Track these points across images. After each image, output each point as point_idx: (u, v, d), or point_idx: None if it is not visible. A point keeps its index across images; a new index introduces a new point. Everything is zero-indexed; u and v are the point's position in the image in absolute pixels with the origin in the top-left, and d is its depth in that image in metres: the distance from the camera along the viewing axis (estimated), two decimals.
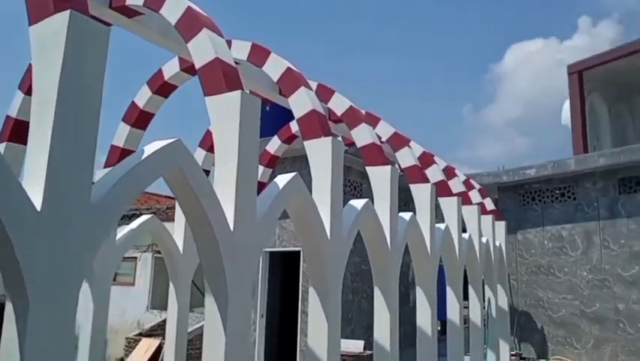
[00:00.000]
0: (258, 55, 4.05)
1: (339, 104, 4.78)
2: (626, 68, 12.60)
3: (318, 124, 3.55)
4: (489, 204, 8.37)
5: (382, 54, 54.84)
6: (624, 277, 8.02)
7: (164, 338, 6.90)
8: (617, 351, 8.01)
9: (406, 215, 4.85)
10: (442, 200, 6.11)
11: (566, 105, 13.63)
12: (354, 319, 8.74)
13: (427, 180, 5.62)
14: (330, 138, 3.52)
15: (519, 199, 9.82)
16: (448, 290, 6.05)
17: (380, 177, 4.47)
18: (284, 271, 9.91)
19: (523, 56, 48.28)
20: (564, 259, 8.91)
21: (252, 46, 4.11)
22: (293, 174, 3.14)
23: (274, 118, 7.00)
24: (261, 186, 6.14)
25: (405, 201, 10.10)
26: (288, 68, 3.87)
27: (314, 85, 4.72)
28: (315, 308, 3.42)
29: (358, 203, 3.95)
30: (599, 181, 8.53)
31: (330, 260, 3.42)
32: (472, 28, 54.66)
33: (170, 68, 4.62)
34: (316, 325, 3.40)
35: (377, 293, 4.34)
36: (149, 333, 10.30)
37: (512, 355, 8.16)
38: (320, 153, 3.52)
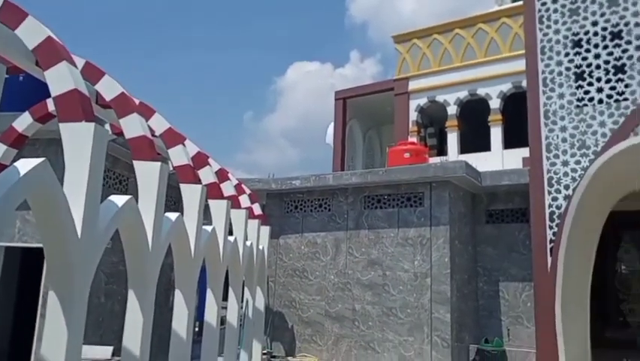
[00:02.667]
0: (12, 15, 3.41)
1: (109, 88, 4.36)
2: (378, 102, 14.80)
3: (80, 106, 3.16)
4: (257, 209, 8.73)
5: (183, 51, 52.87)
6: (362, 280, 9.29)
7: None
8: (352, 346, 9.21)
9: (173, 215, 4.69)
10: (212, 202, 6.10)
11: (331, 127, 15.26)
12: (105, 323, 8.04)
13: (198, 181, 5.55)
14: (92, 125, 3.16)
15: (284, 206, 10.53)
16: (208, 292, 6.06)
17: (148, 173, 4.21)
18: (24, 270, 8.54)
19: (302, 75, 52.46)
20: (317, 263, 9.87)
21: (5, 3, 3.43)
22: (41, 159, 2.71)
23: (28, 90, 6.06)
24: (1, 168, 5.18)
25: (175, 200, 9.82)
26: (49, 37, 3.36)
27: (81, 62, 4.20)
28: (54, 313, 3.01)
29: (119, 199, 3.64)
30: (350, 196, 9.74)
31: (78, 261, 3.06)
32: (264, 40, 56.98)
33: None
34: (54, 331, 3.00)
35: (131, 296, 4.07)
36: None
37: (264, 354, 8.62)
38: (78, 139, 3.13)
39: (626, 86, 7.62)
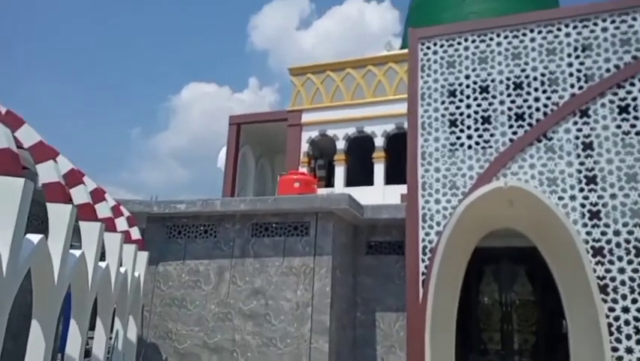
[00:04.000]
0: None
1: (27, 137, 4.16)
2: (272, 131, 14.96)
3: (10, 161, 3.07)
4: (135, 234, 8.26)
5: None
6: (244, 310, 9.12)
7: None
8: None
9: (35, 237, 4.26)
10: (83, 224, 5.66)
11: (223, 151, 15.05)
12: None
13: (68, 201, 5.13)
14: (22, 180, 3.16)
15: (166, 231, 10.07)
16: (72, 322, 5.54)
17: (7, 190, 3.81)
18: None
19: (198, 95, 51.37)
20: (197, 292, 9.51)
21: None
22: None
23: None
24: None
25: (43, 220, 8.92)
26: None
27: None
28: None
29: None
30: (237, 223, 9.61)
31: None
32: (158, 56, 54.93)
33: None
34: None
35: None
36: None
37: None
38: (6, 191, 3.11)
39: (491, 135, 8.54)
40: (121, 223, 7.64)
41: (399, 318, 9.53)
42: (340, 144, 13.34)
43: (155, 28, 53.66)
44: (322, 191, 12.24)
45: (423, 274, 8.25)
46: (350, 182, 13.22)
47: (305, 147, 13.67)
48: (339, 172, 13.33)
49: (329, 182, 14.25)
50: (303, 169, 13.27)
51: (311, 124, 13.68)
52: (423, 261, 8.32)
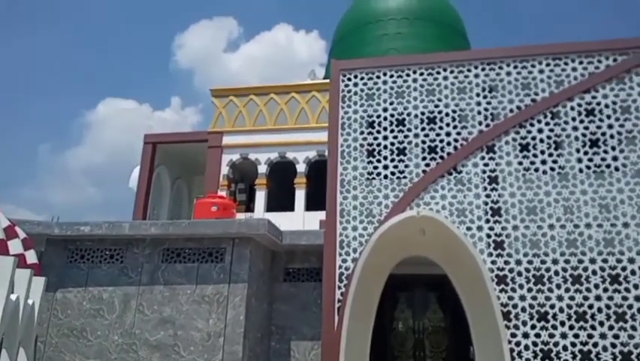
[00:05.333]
0: None
1: None
2: (191, 152, 14.54)
3: None
4: (31, 257, 7.54)
5: None
6: (150, 341, 8.57)
7: None
8: None
9: None
10: None
11: (136, 170, 14.35)
12: None
13: None
14: None
15: (68, 255, 9.32)
16: None
17: None
18: None
19: (116, 111, 48.92)
20: (99, 321, 8.83)
21: None
22: None
23: None
24: None
25: None
26: None
27: None
28: None
29: None
30: (147, 248, 9.11)
31: None
32: (74, 70, 51.86)
33: None
34: None
35: None
36: None
37: None
38: None
39: (406, 166, 8.86)
40: (15, 246, 6.96)
41: (314, 347, 9.43)
42: (262, 168, 13.23)
43: (70, 41, 50.91)
44: (242, 216, 12.00)
45: (339, 301, 8.26)
46: (271, 207, 13.10)
47: (225, 169, 13.40)
48: (260, 197, 13.18)
49: (249, 206, 14.03)
50: (223, 192, 12.97)
51: (232, 147, 13.47)
52: (339, 288, 8.34)
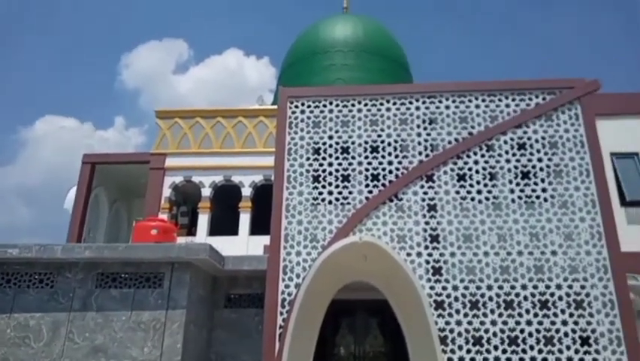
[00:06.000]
0: None
1: None
2: (132, 173, 14.11)
3: None
4: None
5: None
6: None
7: None
8: None
9: None
10: None
11: (73, 191, 13.73)
12: None
13: None
14: None
15: None
16: None
17: None
18: None
19: (54, 130, 46.69)
20: (24, 350, 8.26)
21: None
22: None
23: None
24: None
25: None
26: None
27: None
28: None
29: None
30: (80, 272, 8.68)
31: None
32: (9, 83, 49.21)
33: None
34: None
35: None
36: None
37: None
38: None
39: (350, 192, 9.04)
40: None
41: None
42: (206, 192, 13.03)
43: (6, 53, 48.55)
44: (183, 240, 11.72)
45: (280, 327, 8.18)
46: (214, 231, 12.88)
47: (167, 192, 13.09)
48: (203, 220, 12.94)
49: (191, 230, 13.73)
50: (164, 216, 12.64)
51: (175, 169, 13.22)
52: (281, 314, 8.27)
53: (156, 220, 10.63)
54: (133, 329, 8.29)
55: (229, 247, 10.70)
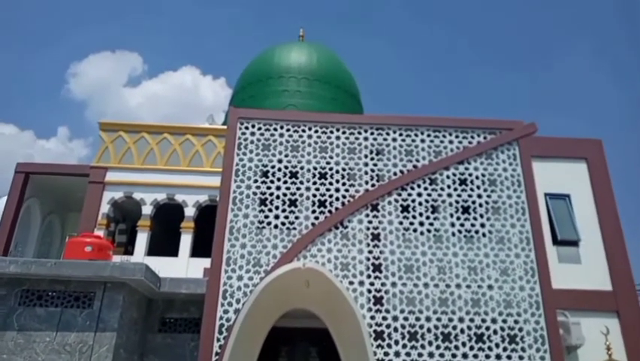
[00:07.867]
0: None
1: None
2: (69, 186, 13.43)
3: None
4: None
5: None
6: None
7: None
8: None
9: None
10: None
11: (2, 201, 12.89)
12: None
13: None
14: None
15: None
16: None
17: None
18: None
19: None
20: None
21: None
22: None
23: None
24: None
25: None
26: None
27: None
28: None
29: None
30: (2, 288, 8.08)
31: None
32: None
33: None
34: None
35: None
36: None
37: None
38: None
39: (296, 217, 9.00)
40: None
41: None
42: (146, 209, 12.57)
43: None
44: (119, 258, 11.19)
45: (217, 354, 7.90)
46: (153, 251, 12.38)
47: (106, 207, 12.52)
48: (142, 239, 12.43)
49: (128, 249, 13.15)
50: (100, 232, 12.05)
51: (116, 184, 12.70)
52: (218, 340, 8.00)
53: (91, 237, 10.12)
54: (57, 351, 7.75)
55: (168, 268, 10.33)
